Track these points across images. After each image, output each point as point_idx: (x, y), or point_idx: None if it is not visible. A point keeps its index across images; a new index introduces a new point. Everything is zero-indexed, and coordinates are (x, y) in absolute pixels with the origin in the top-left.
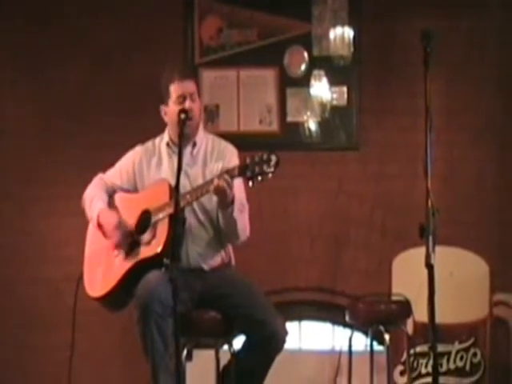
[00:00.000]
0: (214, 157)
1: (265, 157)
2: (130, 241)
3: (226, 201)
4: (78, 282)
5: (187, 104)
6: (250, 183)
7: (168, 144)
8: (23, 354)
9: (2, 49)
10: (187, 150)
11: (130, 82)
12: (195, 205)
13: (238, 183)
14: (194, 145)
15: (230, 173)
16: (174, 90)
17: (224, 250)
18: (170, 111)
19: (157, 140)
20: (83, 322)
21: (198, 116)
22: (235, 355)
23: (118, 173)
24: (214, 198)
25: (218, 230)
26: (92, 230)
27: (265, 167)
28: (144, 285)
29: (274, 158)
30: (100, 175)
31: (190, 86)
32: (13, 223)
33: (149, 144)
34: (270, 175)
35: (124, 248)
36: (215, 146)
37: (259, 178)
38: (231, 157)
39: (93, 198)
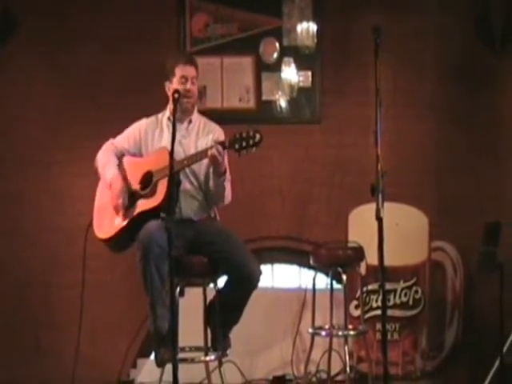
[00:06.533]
0: (205, 132)
1: (251, 133)
2: (134, 197)
3: (220, 169)
4: (87, 229)
5: (188, 85)
6: (238, 154)
7: (169, 118)
8: (44, 291)
9: (29, 41)
10: (184, 125)
11: (133, 67)
12: (188, 170)
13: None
14: (190, 122)
15: (221, 144)
16: (179, 71)
17: (210, 207)
18: (172, 88)
19: (159, 115)
20: (93, 265)
21: (195, 96)
22: (219, 292)
23: (127, 138)
24: (203, 166)
25: (205, 192)
26: (102, 186)
27: (251, 142)
28: (145, 231)
29: (258, 136)
30: (111, 140)
31: (192, 70)
32: (36, 183)
33: (153, 118)
34: (255, 149)
35: (127, 205)
36: (206, 125)
37: (245, 150)
38: (220, 134)
39: (106, 163)
